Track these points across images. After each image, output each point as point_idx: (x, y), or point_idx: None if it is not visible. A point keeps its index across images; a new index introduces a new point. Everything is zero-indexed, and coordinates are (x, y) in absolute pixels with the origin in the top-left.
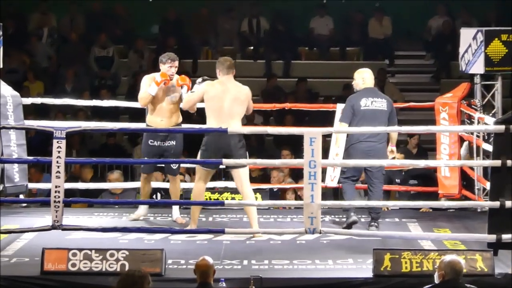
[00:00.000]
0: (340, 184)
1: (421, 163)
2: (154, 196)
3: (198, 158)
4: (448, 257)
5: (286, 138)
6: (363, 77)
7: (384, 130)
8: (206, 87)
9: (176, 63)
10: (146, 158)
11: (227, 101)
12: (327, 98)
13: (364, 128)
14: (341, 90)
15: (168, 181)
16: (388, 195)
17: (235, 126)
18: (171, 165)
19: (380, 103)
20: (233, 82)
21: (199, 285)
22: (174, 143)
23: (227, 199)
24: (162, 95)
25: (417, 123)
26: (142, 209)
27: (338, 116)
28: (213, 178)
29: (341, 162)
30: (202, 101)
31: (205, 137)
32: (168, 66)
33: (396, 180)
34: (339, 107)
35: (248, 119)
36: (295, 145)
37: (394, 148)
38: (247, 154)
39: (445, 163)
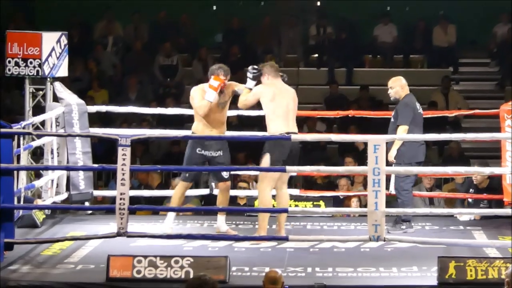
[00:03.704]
0: (398, 193)
1: (486, 171)
2: None
3: (264, 163)
4: None
5: (349, 146)
6: (401, 84)
7: (449, 137)
8: (262, 89)
9: (229, 76)
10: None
11: (289, 101)
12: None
13: (429, 135)
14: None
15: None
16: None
17: (295, 128)
18: (223, 173)
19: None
20: (284, 84)
21: None
22: (222, 153)
23: (290, 206)
24: (215, 104)
25: (481, 130)
26: (172, 217)
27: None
28: None
29: (405, 170)
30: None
31: (268, 141)
32: (222, 79)
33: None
34: None
35: (309, 128)
36: (358, 153)
37: None
38: None
39: (510, 171)
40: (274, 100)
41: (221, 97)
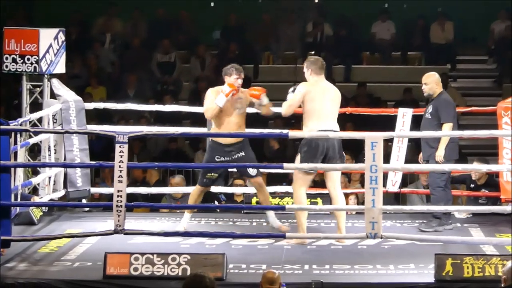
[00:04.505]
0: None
1: (484, 168)
2: (216, 202)
3: (299, 162)
4: (510, 263)
5: (346, 143)
6: (436, 80)
7: (446, 134)
8: (307, 87)
9: (243, 74)
10: (211, 174)
11: (327, 101)
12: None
13: (426, 133)
14: (402, 95)
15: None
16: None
17: (335, 127)
18: (248, 171)
19: None
20: (327, 82)
21: None
22: (244, 154)
23: (287, 203)
24: (229, 108)
25: (479, 127)
26: (187, 217)
27: (400, 120)
28: (275, 183)
29: (402, 167)
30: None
31: (305, 140)
32: (235, 78)
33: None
34: (400, 112)
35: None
36: (355, 150)
37: None
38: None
39: (508, 168)
40: (314, 101)
41: (239, 102)
